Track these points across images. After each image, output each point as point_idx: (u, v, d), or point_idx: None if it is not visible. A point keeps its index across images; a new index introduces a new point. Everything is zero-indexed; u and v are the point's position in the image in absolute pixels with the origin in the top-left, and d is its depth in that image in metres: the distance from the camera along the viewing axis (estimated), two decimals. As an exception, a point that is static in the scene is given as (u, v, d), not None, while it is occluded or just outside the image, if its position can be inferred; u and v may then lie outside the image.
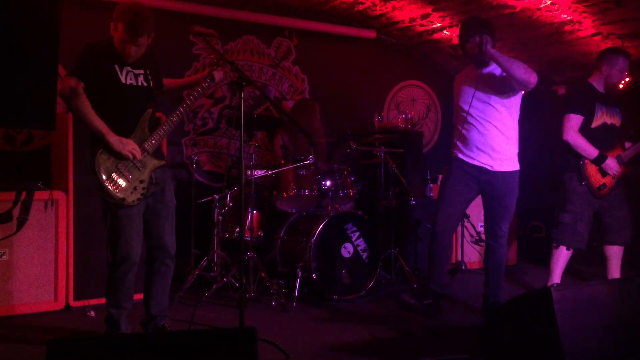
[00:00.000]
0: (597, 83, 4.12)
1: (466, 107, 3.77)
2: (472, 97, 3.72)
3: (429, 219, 5.28)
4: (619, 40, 5.03)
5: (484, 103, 3.74)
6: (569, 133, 4.04)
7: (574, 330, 2.56)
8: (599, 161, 4.03)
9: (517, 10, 4.99)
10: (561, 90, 6.10)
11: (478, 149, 3.77)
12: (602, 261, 4.29)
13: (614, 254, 4.20)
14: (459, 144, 3.85)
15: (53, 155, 4.44)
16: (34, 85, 2.62)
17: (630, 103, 4.94)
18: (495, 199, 3.79)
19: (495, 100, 3.72)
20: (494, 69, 3.77)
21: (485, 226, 3.89)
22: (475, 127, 3.77)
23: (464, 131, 3.80)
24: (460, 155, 3.84)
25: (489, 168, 3.76)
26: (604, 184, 4.06)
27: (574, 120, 4.04)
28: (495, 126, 3.72)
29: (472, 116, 3.77)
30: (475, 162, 3.78)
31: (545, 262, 4.38)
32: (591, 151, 4.03)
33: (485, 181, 3.77)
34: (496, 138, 3.73)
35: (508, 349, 2.73)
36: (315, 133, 4.82)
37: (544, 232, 5.94)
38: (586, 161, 4.05)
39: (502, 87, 3.70)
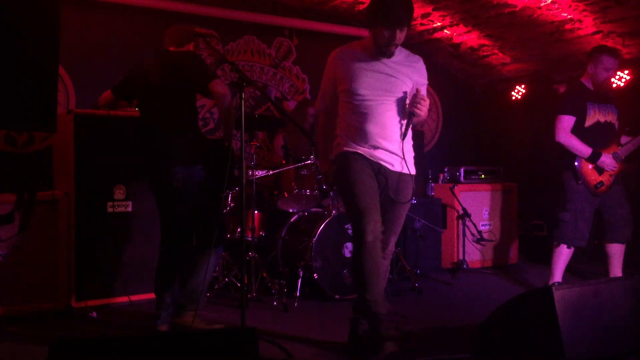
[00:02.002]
0: (588, 82, 4.15)
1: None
2: None
3: (430, 218, 5.29)
4: (620, 38, 5.03)
5: None
6: (561, 134, 4.07)
7: (575, 328, 2.56)
8: (593, 159, 4.04)
9: (517, 9, 4.99)
10: (562, 89, 6.09)
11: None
12: (603, 259, 4.29)
13: (616, 251, 4.21)
14: None
15: (54, 156, 4.45)
16: (35, 87, 2.62)
17: (630, 100, 4.94)
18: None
19: None
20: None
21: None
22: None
23: None
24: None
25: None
26: (601, 182, 4.07)
27: (565, 121, 4.07)
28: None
29: None
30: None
31: (546, 261, 4.39)
32: (584, 150, 4.05)
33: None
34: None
35: (509, 347, 2.74)
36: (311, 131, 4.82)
37: (544, 230, 5.94)
38: (581, 160, 4.07)
39: None
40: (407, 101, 2.99)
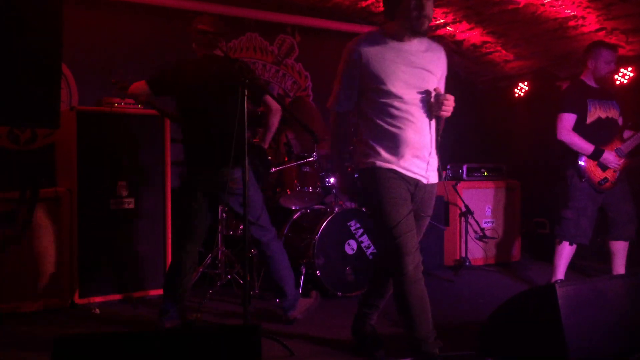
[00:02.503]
0: (588, 79, 4.14)
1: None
2: None
3: (433, 216, 5.28)
4: (623, 35, 5.01)
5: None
6: (563, 132, 4.08)
7: (578, 326, 2.55)
8: (596, 156, 4.04)
9: (520, 5, 4.97)
10: (565, 86, 6.09)
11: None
12: (607, 257, 4.29)
13: (619, 249, 4.20)
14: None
15: (57, 154, 4.45)
16: (38, 84, 2.63)
17: (633, 97, 4.92)
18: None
19: None
20: None
21: None
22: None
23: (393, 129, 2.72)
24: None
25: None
26: (606, 178, 4.07)
27: (566, 120, 4.07)
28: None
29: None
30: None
31: (549, 258, 4.38)
32: (587, 147, 4.04)
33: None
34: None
35: (512, 345, 2.73)
36: (319, 130, 4.81)
37: (547, 228, 5.93)
38: (584, 158, 4.07)
39: None
40: (432, 99, 2.66)
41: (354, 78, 2.70)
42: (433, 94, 2.65)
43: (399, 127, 2.63)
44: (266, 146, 3.74)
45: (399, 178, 2.65)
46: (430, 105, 2.65)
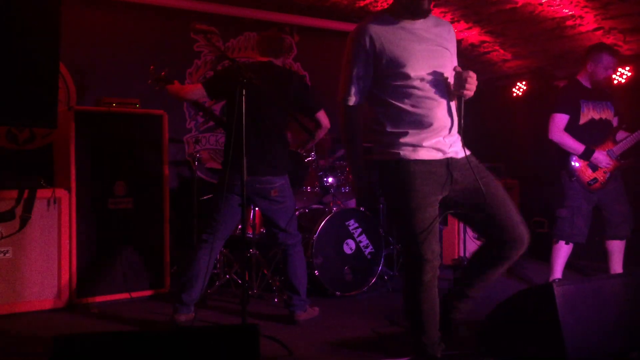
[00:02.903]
0: (584, 79, 4.14)
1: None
2: None
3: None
4: (621, 35, 5.02)
5: None
6: (554, 132, 4.09)
7: (576, 325, 2.56)
8: (586, 156, 4.06)
9: (518, 5, 4.98)
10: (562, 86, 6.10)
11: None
12: (604, 256, 4.29)
13: (616, 248, 4.21)
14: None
15: (55, 153, 4.45)
16: (36, 84, 2.63)
17: (630, 97, 4.93)
18: None
19: None
20: None
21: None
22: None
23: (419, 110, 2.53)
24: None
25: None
26: (595, 179, 4.09)
27: (558, 120, 4.08)
28: None
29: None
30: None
31: (547, 258, 4.39)
32: (577, 147, 4.06)
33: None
34: None
35: (510, 344, 2.74)
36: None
37: (545, 227, 5.93)
38: (575, 157, 4.09)
39: None
40: (450, 80, 2.49)
41: (368, 64, 2.48)
42: (453, 72, 2.47)
43: (424, 109, 2.45)
44: (303, 152, 4.08)
45: (426, 172, 2.46)
46: (448, 85, 2.49)
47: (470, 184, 2.54)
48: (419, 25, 2.52)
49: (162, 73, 3.63)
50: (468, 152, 2.58)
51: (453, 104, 2.59)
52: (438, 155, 2.50)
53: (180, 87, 3.61)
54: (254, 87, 3.18)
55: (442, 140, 2.51)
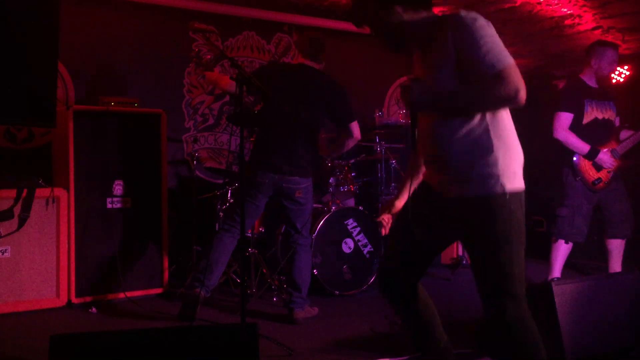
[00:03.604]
0: (588, 78, 4.13)
1: None
2: None
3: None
4: (619, 34, 5.03)
5: None
6: (559, 131, 4.08)
7: (575, 323, 2.57)
8: (591, 156, 4.05)
9: (517, 4, 4.98)
10: (561, 85, 6.10)
11: None
12: (603, 255, 4.30)
13: (615, 247, 4.22)
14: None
15: (54, 153, 4.45)
16: (35, 83, 2.62)
17: (629, 96, 4.94)
18: None
19: None
20: None
21: None
22: None
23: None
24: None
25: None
26: (599, 179, 4.09)
27: (563, 119, 4.08)
28: None
29: None
30: None
31: (545, 257, 4.39)
32: (582, 147, 4.05)
33: None
34: None
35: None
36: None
37: (544, 226, 5.94)
38: (579, 157, 4.08)
39: None
40: None
41: None
42: None
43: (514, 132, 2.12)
44: (328, 160, 4.20)
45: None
46: None
47: None
48: None
49: (206, 58, 3.64)
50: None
51: None
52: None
53: (220, 77, 3.62)
54: (288, 87, 3.20)
55: None
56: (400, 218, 2.31)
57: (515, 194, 2.07)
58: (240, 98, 2.94)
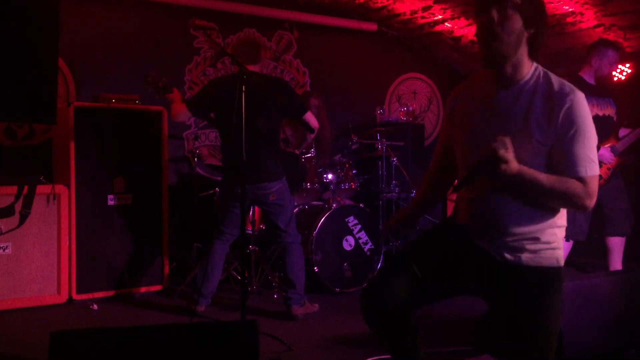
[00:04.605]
0: (588, 76, 4.13)
1: None
2: None
3: (430, 212, 5.29)
4: (621, 31, 5.02)
5: None
6: None
7: (574, 322, 2.56)
8: None
9: (518, 2, 4.96)
10: (563, 83, 6.09)
11: None
12: (603, 253, 4.30)
13: (615, 245, 4.21)
14: None
15: (54, 150, 4.45)
16: (35, 80, 2.62)
17: (630, 93, 4.93)
18: None
19: None
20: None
21: None
22: None
23: None
24: None
25: None
26: (600, 176, 4.08)
27: None
28: None
29: None
30: None
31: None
32: None
33: None
34: None
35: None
36: (319, 126, 4.81)
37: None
38: None
39: None
40: None
41: None
42: None
43: None
44: (298, 152, 4.10)
45: None
46: None
47: None
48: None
49: (160, 83, 3.67)
50: None
51: None
52: None
53: (172, 107, 3.68)
54: (235, 97, 3.22)
55: None
56: (412, 247, 2.18)
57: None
58: (241, 95, 2.94)
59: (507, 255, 1.91)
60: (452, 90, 2.13)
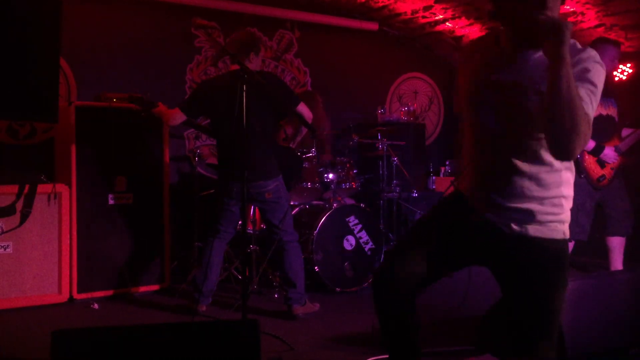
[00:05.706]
0: None
1: None
2: None
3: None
4: (622, 31, 5.02)
5: None
6: None
7: (576, 321, 2.56)
8: (596, 152, 4.05)
9: (520, 1, 4.96)
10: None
11: None
12: (604, 252, 4.30)
13: (616, 245, 4.21)
14: None
15: (56, 149, 4.45)
16: (37, 79, 2.62)
17: (632, 93, 4.92)
18: None
19: None
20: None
21: None
22: None
23: None
24: None
25: None
26: (603, 175, 4.08)
27: None
28: None
29: None
30: None
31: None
32: (588, 143, 4.04)
33: None
34: None
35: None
36: (319, 125, 4.81)
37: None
38: (584, 153, 4.07)
39: None
40: None
41: None
42: None
43: None
44: (294, 146, 4.19)
45: None
46: None
47: None
48: None
49: (145, 100, 3.70)
50: None
51: None
52: None
53: (164, 112, 3.70)
54: (228, 97, 3.21)
55: None
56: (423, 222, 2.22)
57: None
58: (242, 94, 2.94)
59: (514, 227, 1.91)
60: (460, 51, 2.14)
